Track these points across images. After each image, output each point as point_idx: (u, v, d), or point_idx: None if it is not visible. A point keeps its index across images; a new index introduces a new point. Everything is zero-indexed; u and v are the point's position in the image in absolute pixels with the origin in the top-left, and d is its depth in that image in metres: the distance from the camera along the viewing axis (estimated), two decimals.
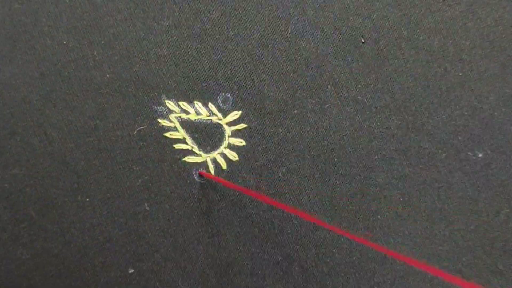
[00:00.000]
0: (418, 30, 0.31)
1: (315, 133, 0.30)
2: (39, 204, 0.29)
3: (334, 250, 0.30)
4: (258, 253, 0.30)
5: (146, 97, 0.30)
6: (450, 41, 0.31)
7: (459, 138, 0.31)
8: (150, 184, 0.30)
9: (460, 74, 0.31)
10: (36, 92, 0.30)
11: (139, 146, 0.30)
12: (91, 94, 0.30)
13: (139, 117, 0.30)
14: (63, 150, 0.30)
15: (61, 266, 0.30)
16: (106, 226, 0.30)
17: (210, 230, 0.30)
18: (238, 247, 0.30)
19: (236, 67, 0.30)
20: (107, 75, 0.30)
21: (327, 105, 0.30)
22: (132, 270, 0.30)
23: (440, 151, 0.31)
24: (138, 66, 0.30)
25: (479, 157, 0.31)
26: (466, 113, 0.31)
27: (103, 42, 0.29)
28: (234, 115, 0.30)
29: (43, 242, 0.30)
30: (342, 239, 0.30)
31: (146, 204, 0.30)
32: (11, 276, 0.30)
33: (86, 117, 0.30)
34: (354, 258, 0.30)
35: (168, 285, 0.30)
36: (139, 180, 0.30)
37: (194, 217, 0.30)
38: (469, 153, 0.31)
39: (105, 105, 0.30)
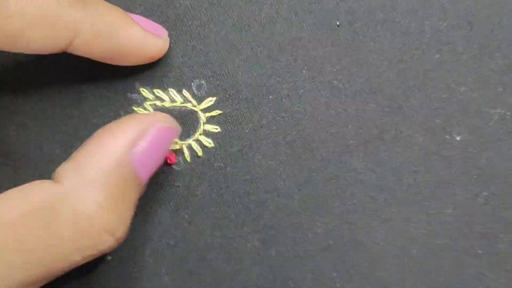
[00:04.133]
0: (394, 12, 0.30)
1: (290, 118, 0.30)
2: None
3: (310, 235, 0.30)
4: (235, 238, 0.30)
5: (120, 85, 0.30)
6: (427, 23, 0.30)
7: (436, 121, 0.30)
8: None
9: (438, 56, 0.30)
10: (9, 81, 0.30)
11: None
12: (66, 82, 0.30)
13: (114, 105, 0.30)
14: (39, 139, 0.30)
15: None
16: None
17: (187, 217, 0.30)
18: (215, 233, 0.30)
19: (210, 53, 0.30)
20: (81, 63, 0.30)
21: (302, 90, 0.30)
22: (110, 257, 0.30)
23: (417, 134, 0.30)
24: None
25: (456, 140, 0.30)
26: (443, 95, 0.30)
27: None
28: (209, 101, 0.30)
29: None
30: (318, 223, 0.30)
31: None
32: None
33: (61, 105, 0.30)
34: (330, 242, 0.30)
35: (146, 271, 0.30)
36: None
37: (171, 203, 0.30)
38: (447, 136, 0.30)
39: (80, 93, 0.30)
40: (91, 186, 0.24)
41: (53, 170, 0.30)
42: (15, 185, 0.30)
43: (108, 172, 0.24)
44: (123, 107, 0.30)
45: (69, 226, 0.23)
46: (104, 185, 0.24)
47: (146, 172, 0.26)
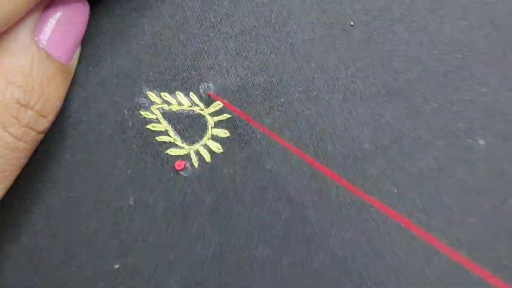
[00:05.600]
0: (412, 11, 0.29)
1: (302, 122, 0.29)
2: (25, 200, 0.29)
3: (325, 245, 0.29)
4: (245, 247, 0.29)
5: (127, 89, 0.29)
6: (447, 21, 0.29)
7: (459, 125, 0.29)
8: (134, 178, 0.29)
9: (459, 56, 0.29)
10: None
11: (121, 139, 0.29)
12: (75, 87, 0.29)
13: (122, 110, 0.29)
14: (48, 144, 0.29)
15: (47, 261, 0.29)
16: (91, 221, 0.29)
17: (195, 224, 0.29)
18: (224, 241, 0.29)
19: (219, 56, 0.29)
20: (90, 68, 0.29)
21: (314, 93, 0.29)
22: (118, 265, 0.29)
23: (437, 139, 0.29)
24: (120, 58, 0.29)
25: (480, 145, 0.29)
26: (466, 97, 0.29)
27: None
28: (217, 105, 0.29)
29: (30, 237, 0.30)
30: (332, 232, 0.29)
31: (131, 199, 0.29)
32: None
33: (70, 110, 0.29)
34: (346, 252, 0.29)
35: (154, 282, 0.29)
36: (123, 174, 0.29)
37: (178, 211, 0.29)
38: (470, 140, 0.29)
39: (88, 98, 0.29)
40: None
41: (63, 175, 0.29)
42: (25, 188, 0.29)
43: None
44: (130, 111, 0.29)
45: None
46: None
47: (60, 50, 0.26)
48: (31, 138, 0.26)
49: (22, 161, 0.26)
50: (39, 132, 0.26)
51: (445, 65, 0.29)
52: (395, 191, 0.29)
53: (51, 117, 0.26)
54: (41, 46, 0.25)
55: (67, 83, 0.28)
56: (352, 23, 0.29)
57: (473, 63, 0.29)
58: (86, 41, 0.29)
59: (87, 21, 0.28)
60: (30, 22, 0.25)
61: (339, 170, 0.29)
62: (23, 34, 0.25)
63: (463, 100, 0.29)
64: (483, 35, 0.29)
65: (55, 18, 0.26)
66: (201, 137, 0.29)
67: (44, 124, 0.26)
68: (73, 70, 0.28)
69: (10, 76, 0.24)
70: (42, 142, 0.29)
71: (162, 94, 0.29)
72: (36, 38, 0.25)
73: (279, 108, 0.29)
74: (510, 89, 0.29)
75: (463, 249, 0.28)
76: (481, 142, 0.29)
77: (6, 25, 0.24)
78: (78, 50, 0.28)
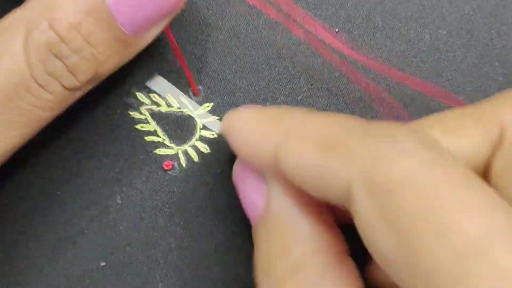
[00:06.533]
0: (393, 19, 0.30)
1: None
2: (8, 198, 0.29)
3: None
4: (232, 246, 0.30)
5: (116, 89, 0.30)
6: (427, 30, 0.30)
7: None
8: (122, 177, 0.30)
9: (436, 64, 0.30)
10: None
11: (109, 138, 0.30)
12: None
13: (110, 110, 0.30)
14: (34, 143, 0.29)
15: (32, 259, 0.30)
16: (78, 219, 0.30)
17: (182, 223, 0.30)
18: (211, 240, 0.30)
19: (208, 59, 0.30)
20: None
21: (300, 97, 0.30)
22: (104, 263, 0.30)
23: None
24: None
25: None
26: (442, 104, 0.30)
27: None
28: (206, 107, 0.30)
29: (14, 235, 0.30)
30: None
31: (118, 197, 0.30)
32: None
33: None
34: None
35: (140, 279, 0.30)
36: (111, 173, 0.30)
37: (165, 209, 0.30)
38: None
39: None
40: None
41: (49, 173, 0.29)
42: (11, 191, 0.29)
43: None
44: (119, 111, 0.30)
45: None
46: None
47: (127, 19, 0.24)
48: (56, 91, 0.24)
49: (43, 115, 0.25)
50: (64, 87, 0.24)
51: (423, 72, 0.30)
52: None
53: (82, 77, 0.24)
54: (107, 3, 0.23)
55: (123, 57, 0.26)
56: (337, 30, 0.30)
57: (450, 71, 0.30)
58: None
59: (174, 6, 0.25)
60: None
61: None
62: None
63: (440, 106, 0.30)
64: (460, 44, 0.30)
65: None
66: (189, 138, 0.30)
67: (71, 81, 0.24)
68: (138, 48, 0.26)
69: (55, 21, 0.23)
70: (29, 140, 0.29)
71: (152, 95, 0.30)
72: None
73: None
74: (484, 95, 0.30)
75: None
76: None
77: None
78: (157, 30, 0.26)
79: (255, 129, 0.24)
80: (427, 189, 0.17)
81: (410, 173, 0.18)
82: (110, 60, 0.25)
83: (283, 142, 0.22)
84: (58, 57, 0.24)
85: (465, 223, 0.16)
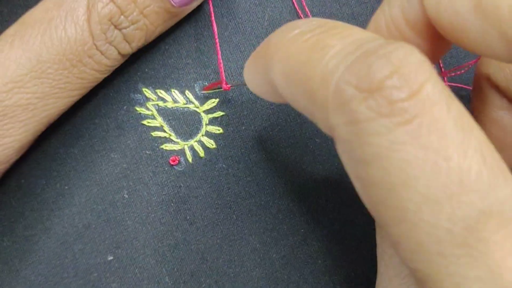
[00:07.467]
0: None
1: (292, 120, 0.30)
2: (17, 193, 0.30)
3: (311, 238, 0.30)
4: (236, 239, 0.30)
5: (123, 85, 0.30)
6: None
7: None
8: (129, 172, 0.30)
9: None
10: None
11: (117, 134, 0.30)
12: None
13: (117, 105, 0.30)
14: (42, 138, 0.30)
15: (41, 253, 0.30)
16: (85, 213, 0.30)
17: (188, 217, 0.30)
18: (216, 234, 0.30)
19: (213, 55, 0.30)
20: None
21: None
22: (112, 257, 0.30)
23: None
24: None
25: None
26: None
27: None
28: (211, 103, 0.30)
29: (23, 230, 0.30)
30: (320, 225, 0.30)
31: (125, 192, 0.30)
32: None
33: None
34: (333, 245, 0.30)
35: (147, 272, 0.30)
36: (118, 168, 0.30)
37: (172, 204, 0.30)
38: None
39: None
40: None
41: (57, 168, 0.30)
42: (18, 184, 0.30)
43: None
44: (126, 107, 0.30)
45: None
46: None
47: None
48: (113, 57, 0.27)
49: (99, 78, 0.28)
50: (119, 53, 0.27)
51: None
52: None
53: (134, 45, 0.28)
54: None
55: (167, 26, 0.29)
56: None
57: (451, 67, 0.31)
58: None
59: None
60: None
61: (326, 164, 0.30)
62: None
63: None
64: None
65: None
66: (195, 133, 0.30)
67: (126, 48, 0.27)
68: (179, 19, 0.29)
69: None
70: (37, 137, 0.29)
71: (158, 91, 0.30)
72: None
73: (271, 106, 0.30)
74: None
75: None
76: None
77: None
78: (197, 3, 0.29)
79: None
80: None
81: None
82: (157, 29, 0.28)
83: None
84: (117, 27, 0.27)
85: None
